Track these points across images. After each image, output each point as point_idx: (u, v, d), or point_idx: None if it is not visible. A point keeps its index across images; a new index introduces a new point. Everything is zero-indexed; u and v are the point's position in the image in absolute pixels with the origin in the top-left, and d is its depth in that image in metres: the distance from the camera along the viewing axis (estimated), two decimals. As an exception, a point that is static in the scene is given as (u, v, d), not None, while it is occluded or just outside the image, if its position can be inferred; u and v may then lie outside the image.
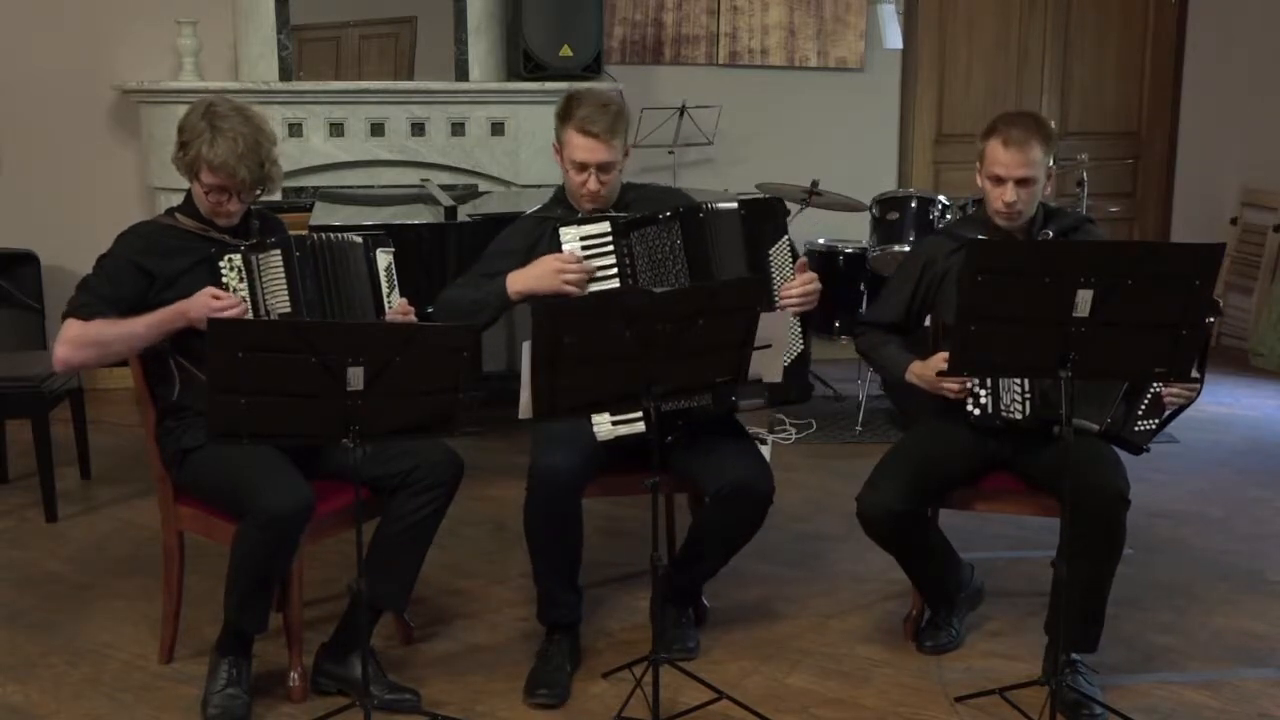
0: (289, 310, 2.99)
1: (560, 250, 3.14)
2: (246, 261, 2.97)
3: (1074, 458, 2.75)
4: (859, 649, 3.33)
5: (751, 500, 3.14)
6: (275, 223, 3.22)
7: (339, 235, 3.16)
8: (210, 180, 2.95)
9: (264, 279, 2.98)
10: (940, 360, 3.05)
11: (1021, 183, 3.10)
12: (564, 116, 3.22)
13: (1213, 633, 3.43)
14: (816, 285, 3.20)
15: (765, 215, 3.22)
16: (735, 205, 3.21)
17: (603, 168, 3.18)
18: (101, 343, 2.94)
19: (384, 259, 3.16)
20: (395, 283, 3.19)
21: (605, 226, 3.15)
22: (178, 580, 3.18)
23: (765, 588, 3.70)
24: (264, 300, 2.98)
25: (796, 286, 3.17)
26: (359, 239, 3.16)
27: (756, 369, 2.88)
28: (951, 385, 3.10)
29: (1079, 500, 2.79)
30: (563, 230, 3.15)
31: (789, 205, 5.37)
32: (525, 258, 3.25)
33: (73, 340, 2.93)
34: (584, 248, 3.14)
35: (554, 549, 3.13)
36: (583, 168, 3.19)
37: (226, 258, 2.97)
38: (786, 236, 3.23)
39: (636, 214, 3.20)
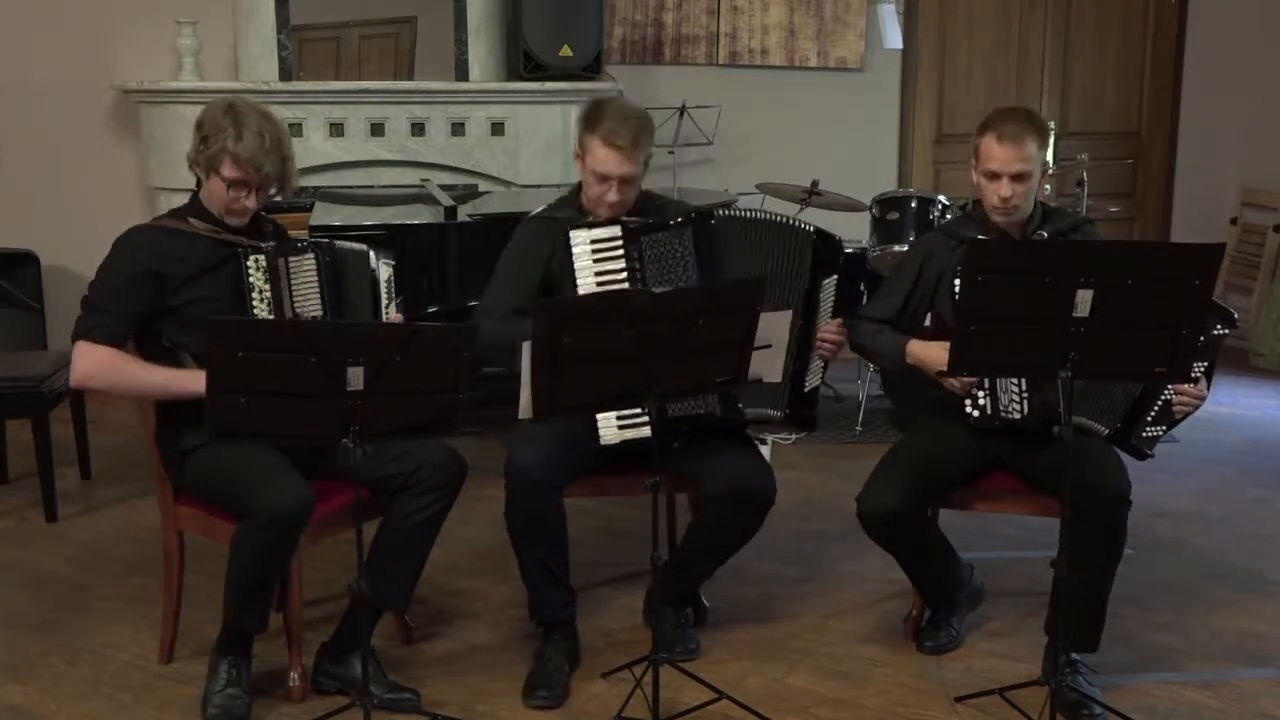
0: (320, 315, 3.01)
1: (571, 254, 3.11)
2: (273, 263, 2.97)
3: (1076, 458, 2.75)
4: (859, 649, 3.33)
5: (752, 503, 3.15)
6: (284, 231, 3.22)
7: (348, 244, 3.18)
8: (233, 174, 2.94)
9: (294, 282, 2.99)
10: (942, 351, 3.05)
11: (1016, 178, 3.10)
12: (590, 125, 3.19)
13: (1213, 633, 3.43)
14: (843, 339, 3.26)
15: (827, 250, 3.25)
16: (811, 229, 3.24)
17: (625, 180, 3.17)
18: (124, 372, 2.94)
19: (385, 271, 3.16)
20: (393, 295, 3.19)
21: (615, 230, 3.14)
22: (178, 580, 3.18)
23: (765, 587, 3.70)
24: (292, 303, 2.98)
25: (833, 331, 3.23)
26: (365, 248, 3.16)
27: (756, 369, 2.88)
28: (953, 382, 3.10)
29: (1080, 500, 2.79)
30: (573, 233, 3.13)
31: (790, 205, 5.43)
32: (547, 266, 3.24)
33: (100, 363, 2.91)
34: (594, 251, 3.12)
35: (536, 546, 3.13)
36: (604, 179, 3.17)
37: (253, 258, 2.97)
38: (835, 278, 3.25)
39: (646, 219, 3.19)
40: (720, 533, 3.21)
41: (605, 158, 3.15)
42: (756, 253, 3.21)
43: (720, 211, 3.24)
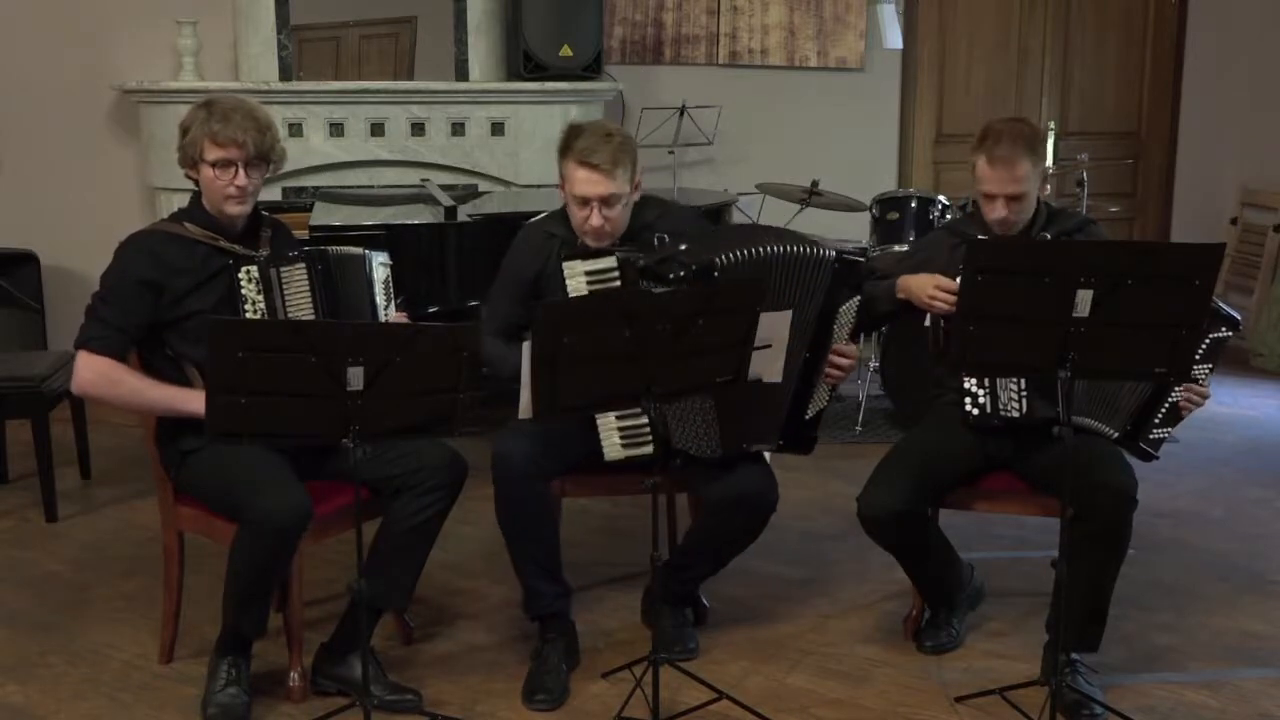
0: None
1: (564, 280, 3.02)
2: (265, 274, 2.97)
3: (1080, 457, 2.75)
4: (859, 649, 3.33)
5: (754, 509, 3.14)
6: (286, 231, 3.22)
7: (344, 248, 3.17)
8: (215, 155, 2.94)
9: (286, 292, 2.99)
10: (930, 276, 3.10)
11: (1012, 198, 3.11)
12: (564, 150, 3.09)
13: (1213, 633, 3.43)
14: (854, 363, 3.20)
15: (849, 276, 3.12)
16: (832, 255, 3.08)
17: (606, 201, 3.04)
18: (124, 386, 2.95)
19: (381, 272, 3.16)
20: (391, 296, 3.18)
21: (610, 261, 3.02)
22: (178, 580, 3.18)
23: (765, 587, 3.70)
24: (285, 313, 2.98)
25: (848, 358, 3.17)
26: (359, 251, 3.16)
27: (756, 369, 2.88)
28: (941, 303, 3.08)
29: (1086, 499, 2.79)
30: (566, 265, 3.02)
31: (790, 205, 5.44)
32: (536, 284, 3.19)
33: (100, 373, 2.94)
34: (589, 282, 3.03)
35: (524, 538, 3.11)
36: (585, 202, 3.05)
37: (245, 269, 2.97)
38: (858, 298, 3.16)
39: (642, 252, 3.03)
40: (721, 537, 3.21)
41: (582, 178, 3.03)
42: (770, 289, 2.95)
43: (722, 259, 2.96)
